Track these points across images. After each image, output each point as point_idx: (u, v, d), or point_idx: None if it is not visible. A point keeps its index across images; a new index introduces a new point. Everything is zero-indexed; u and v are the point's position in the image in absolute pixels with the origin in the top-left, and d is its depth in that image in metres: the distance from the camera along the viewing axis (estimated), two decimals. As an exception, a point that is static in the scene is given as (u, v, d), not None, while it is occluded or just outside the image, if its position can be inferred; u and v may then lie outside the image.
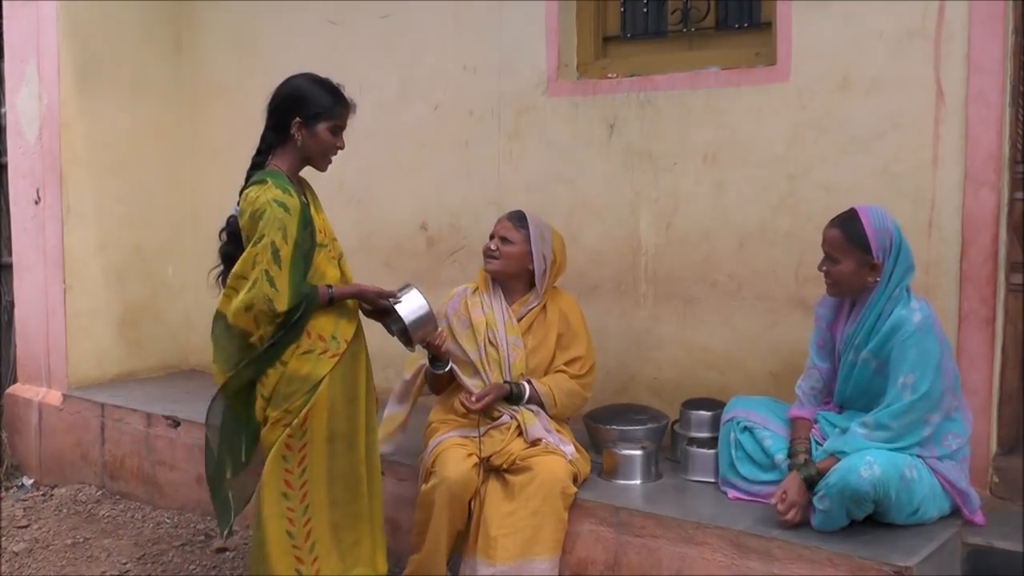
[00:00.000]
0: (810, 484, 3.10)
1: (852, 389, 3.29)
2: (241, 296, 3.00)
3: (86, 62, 5.14)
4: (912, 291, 3.22)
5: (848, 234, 3.18)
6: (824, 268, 3.25)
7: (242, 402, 3.21)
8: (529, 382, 3.60)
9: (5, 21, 5.34)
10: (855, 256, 3.17)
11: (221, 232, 3.21)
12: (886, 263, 3.16)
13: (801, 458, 3.21)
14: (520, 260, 3.65)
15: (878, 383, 3.18)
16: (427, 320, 3.24)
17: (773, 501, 3.16)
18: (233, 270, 3.07)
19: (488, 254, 3.68)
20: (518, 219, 3.67)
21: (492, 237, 3.69)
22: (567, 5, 4.34)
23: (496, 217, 3.78)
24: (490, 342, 3.62)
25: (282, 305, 2.98)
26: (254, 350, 3.07)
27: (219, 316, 3.11)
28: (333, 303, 3.13)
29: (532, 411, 3.57)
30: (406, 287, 3.25)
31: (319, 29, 4.99)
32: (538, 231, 3.66)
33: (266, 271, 2.96)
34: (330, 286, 3.13)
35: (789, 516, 3.10)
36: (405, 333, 3.23)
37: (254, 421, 3.18)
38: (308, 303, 3.05)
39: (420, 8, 4.68)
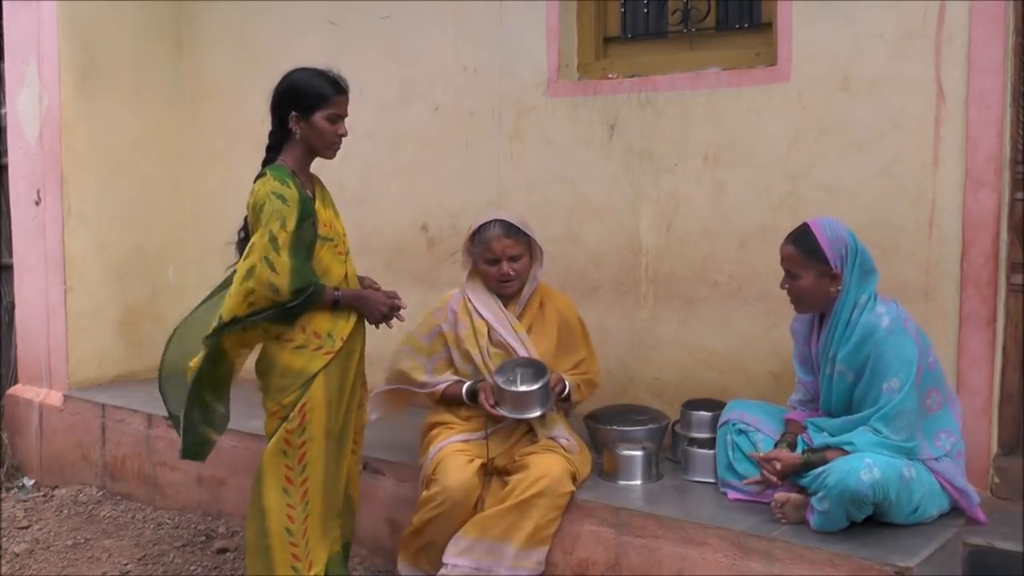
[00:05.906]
0: (806, 467, 3.12)
1: (836, 400, 3.31)
2: (236, 286, 3.03)
3: (86, 63, 5.14)
4: (880, 295, 3.23)
5: (803, 248, 3.21)
6: (786, 286, 3.28)
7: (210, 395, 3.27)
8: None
9: (5, 22, 5.34)
10: (814, 269, 3.20)
11: (239, 231, 3.26)
12: (844, 271, 3.18)
13: (788, 438, 3.27)
14: (527, 268, 3.64)
15: (860, 392, 3.20)
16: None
17: (764, 461, 3.20)
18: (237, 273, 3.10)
19: (504, 279, 3.57)
20: (513, 231, 3.56)
21: (497, 261, 3.55)
22: (567, 5, 4.33)
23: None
24: (492, 343, 3.60)
25: (285, 287, 2.99)
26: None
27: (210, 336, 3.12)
28: (337, 307, 3.14)
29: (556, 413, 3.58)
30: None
31: (319, 29, 4.98)
32: (533, 230, 3.63)
33: (265, 257, 2.99)
34: (337, 289, 3.15)
35: (777, 481, 3.16)
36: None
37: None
38: (314, 293, 3.06)
39: (420, 8, 4.67)
